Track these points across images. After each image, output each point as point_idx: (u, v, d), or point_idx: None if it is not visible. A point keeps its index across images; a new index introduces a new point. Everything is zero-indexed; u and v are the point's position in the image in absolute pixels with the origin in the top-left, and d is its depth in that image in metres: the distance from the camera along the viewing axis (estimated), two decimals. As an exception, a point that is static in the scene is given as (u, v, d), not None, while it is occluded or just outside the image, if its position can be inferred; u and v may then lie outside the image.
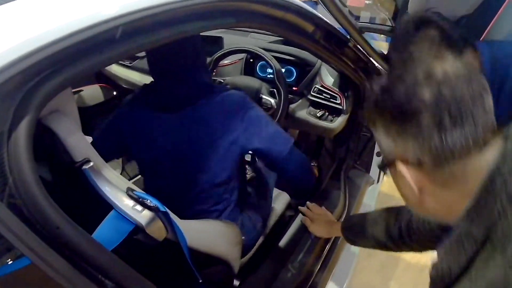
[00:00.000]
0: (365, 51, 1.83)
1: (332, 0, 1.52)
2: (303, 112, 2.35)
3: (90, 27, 0.85)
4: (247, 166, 2.03)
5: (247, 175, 1.97)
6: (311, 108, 2.35)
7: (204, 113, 1.49)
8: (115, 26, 0.90)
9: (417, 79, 0.72)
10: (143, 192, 1.19)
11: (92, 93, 3.10)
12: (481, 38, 1.72)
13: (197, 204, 1.65)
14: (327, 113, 2.28)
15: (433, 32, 1.12)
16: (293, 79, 2.44)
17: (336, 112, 2.25)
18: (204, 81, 1.54)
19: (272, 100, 2.10)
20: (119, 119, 1.64)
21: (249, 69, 2.56)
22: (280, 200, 2.24)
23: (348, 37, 1.77)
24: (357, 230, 1.69)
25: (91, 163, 1.15)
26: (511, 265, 0.63)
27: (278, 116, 2.04)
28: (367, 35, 1.76)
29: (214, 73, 2.60)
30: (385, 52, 1.86)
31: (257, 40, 2.75)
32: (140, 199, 1.15)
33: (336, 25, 1.67)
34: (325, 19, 1.64)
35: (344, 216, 2.23)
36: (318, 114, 2.28)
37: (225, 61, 2.61)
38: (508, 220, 0.65)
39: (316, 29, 1.63)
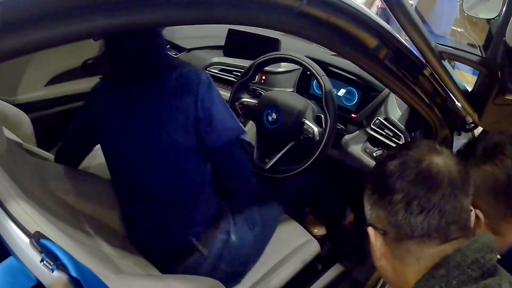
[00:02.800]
0: (445, 84, 1.38)
1: (403, 9, 1.08)
2: (358, 147, 1.93)
3: None
4: None
5: None
6: (368, 144, 1.91)
7: (161, 88, 1.41)
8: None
9: (406, 162, 0.87)
10: (55, 244, 0.84)
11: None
12: None
13: (171, 195, 1.52)
14: (385, 154, 1.81)
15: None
16: (353, 103, 2.00)
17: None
18: (165, 54, 1.51)
19: (316, 129, 1.66)
20: (88, 101, 1.59)
21: (304, 83, 2.15)
22: (307, 248, 1.89)
23: (424, 62, 1.33)
24: None
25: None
26: None
27: (319, 151, 1.60)
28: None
29: (262, 81, 2.22)
30: (470, 88, 1.45)
31: (320, 50, 2.30)
32: (45, 252, 0.83)
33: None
34: (395, 33, 1.23)
35: (380, 283, 1.92)
36: (374, 154, 1.84)
37: (279, 69, 2.23)
38: None
39: (381, 44, 1.23)
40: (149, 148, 1.44)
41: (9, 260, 0.84)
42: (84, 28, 0.66)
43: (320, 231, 2.19)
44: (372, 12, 1.15)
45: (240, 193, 1.67)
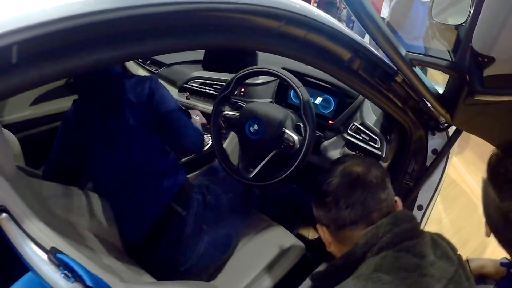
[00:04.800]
0: (417, 89, 1.45)
1: (372, 20, 1.16)
2: (336, 153, 1.99)
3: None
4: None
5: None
6: (345, 148, 1.98)
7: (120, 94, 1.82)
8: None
9: (335, 173, 1.14)
10: (69, 257, 0.91)
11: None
12: None
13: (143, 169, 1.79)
14: (362, 158, 1.88)
15: None
16: (330, 111, 2.08)
17: (373, 158, 1.86)
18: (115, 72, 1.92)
19: (296, 137, 1.74)
20: (65, 120, 1.90)
21: (282, 93, 2.23)
22: (293, 251, 1.96)
23: (396, 69, 1.42)
24: None
25: (4, 214, 0.92)
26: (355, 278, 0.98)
27: (300, 158, 1.68)
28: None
29: (242, 93, 2.30)
30: (440, 89, 1.50)
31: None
32: (62, 266, 0.89)
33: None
34: (367, 45, 1.32)
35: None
36: (352, 158, 1.89)
37: (257, 80, 2.30)
38: (367, 262, 1.00)
39: (354, 56, 1.30)
40: (118, 138, 1.77)
41: (28, 275, 0.89)
42: (92, 60, 0.74)
43: (312, 235, 2.25)
44: (344, 26, 1.23)
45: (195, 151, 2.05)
